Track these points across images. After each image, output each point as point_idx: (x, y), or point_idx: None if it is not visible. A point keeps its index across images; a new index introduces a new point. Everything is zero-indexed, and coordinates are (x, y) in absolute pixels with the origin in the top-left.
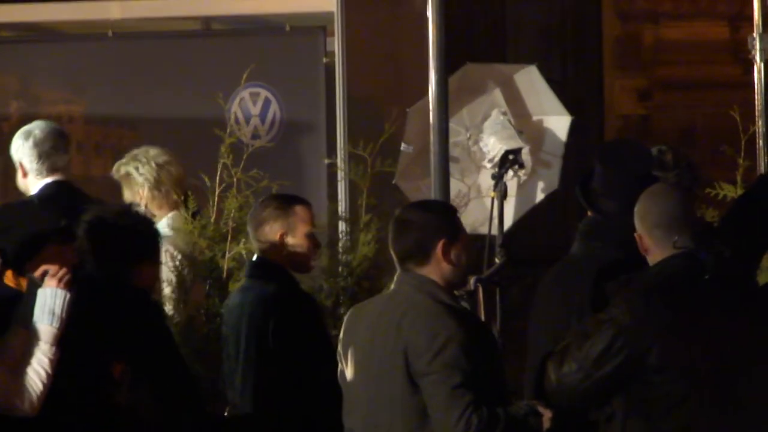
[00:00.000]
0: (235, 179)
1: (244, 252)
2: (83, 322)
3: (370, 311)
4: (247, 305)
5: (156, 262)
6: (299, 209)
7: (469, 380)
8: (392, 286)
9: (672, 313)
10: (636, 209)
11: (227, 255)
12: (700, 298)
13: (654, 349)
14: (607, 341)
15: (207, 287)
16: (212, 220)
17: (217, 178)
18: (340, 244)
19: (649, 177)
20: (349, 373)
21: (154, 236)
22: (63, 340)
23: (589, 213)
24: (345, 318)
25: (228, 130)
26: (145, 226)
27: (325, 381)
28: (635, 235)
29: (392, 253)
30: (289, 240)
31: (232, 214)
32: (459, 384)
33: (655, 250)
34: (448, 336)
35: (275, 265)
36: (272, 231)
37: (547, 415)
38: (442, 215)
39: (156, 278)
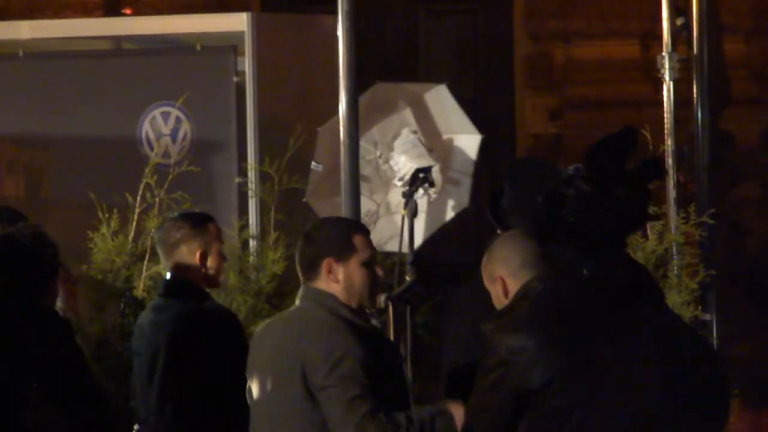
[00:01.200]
0: (157, 200)
1: (162, 272)
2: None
3: (275, 328)
4: (167, 323)
5: (56, 280)
6: (212, 227)
7: (366, 392)
8: (296, 301)
9: (541, 331)
10: (492, 256)
11: (143, 274)
12: (569, 309)
13: (532, 371)
14: (490, 377)
15: (122, 306)
16: (130, 239)
17: (138, 197)
18: (250, 262)
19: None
20: (254, 390)
21: (55, 254)
22: None
23: (499, 231)
24: (253, 335)
25: (155, 151)
26: (47, 245)
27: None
28: (492, 282)
29: None
30: (207, 259)
31: (151, 234)
32: (356, 396)
33: (516, 288)
34: (344, 350)
35: (191, 282)
36: (190, 251)
37: (458, 412)
38: (335, 233)
39: (57, 296)
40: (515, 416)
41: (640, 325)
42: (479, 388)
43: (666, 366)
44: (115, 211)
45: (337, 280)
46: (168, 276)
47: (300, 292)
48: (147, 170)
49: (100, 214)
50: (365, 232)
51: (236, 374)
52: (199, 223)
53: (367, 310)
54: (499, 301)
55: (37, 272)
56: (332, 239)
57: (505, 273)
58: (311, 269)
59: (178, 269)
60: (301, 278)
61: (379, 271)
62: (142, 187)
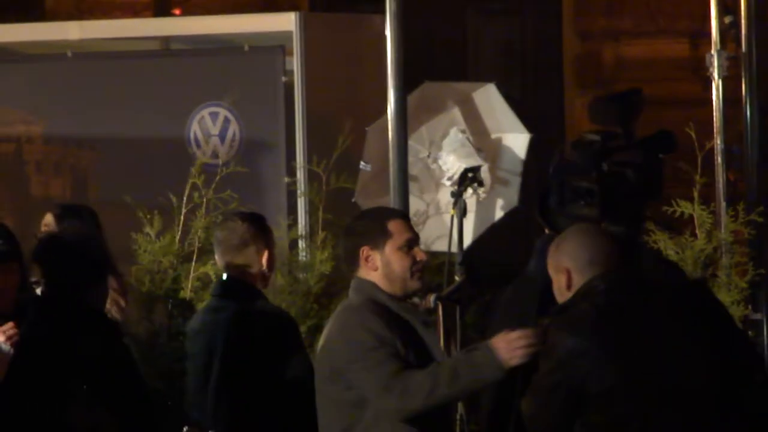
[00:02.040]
0: (204, 200)
1: (211, 272)
2: (38, 345)
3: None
4: (223, 324)
5: (106, 282)
6: (270, 229)
7: (390, 357)
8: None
9: (602, 337)
10: (561, 249)
11: (191, 275)
12: (630, 315)
13: (594, 377)
14: (549, 379)
15: (170, 306)
16: (177, 239)
17: (185, 197)
18: (298, 262)
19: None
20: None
21: (106, 257)
22: (17, 367)
23: (546, 231)
24: None
25: (200, 150)
26: (97, 248)
27: (302, 399)
28: (557, 272)
29: None
30: (265, 259)
31: (198, 234)
32: (382, 361)
33: (580, 283)
34: (367, 329)
35: (248, 282)
36: (258, 251)
37: (500, 344)
38: (370, 222)
39: (107, 298)
40: (571, 418)
41: (695, 330)
42: (537, 389)
43: (717, 374)
44: (156, 212)
45: (376, 267)
46: (225, 276)
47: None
48: (194, 170)
49: (141, 215)
50: (401, 216)
51: (292, 373)
52: (264, 223)
53: (417, 300)
54: (561, 292)
55: (84, 273)
56: (367, 228)
57: (572, 266)
58: (351, 260)
59: (238, 269)
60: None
61: (421, 255)
62: (188, 186)
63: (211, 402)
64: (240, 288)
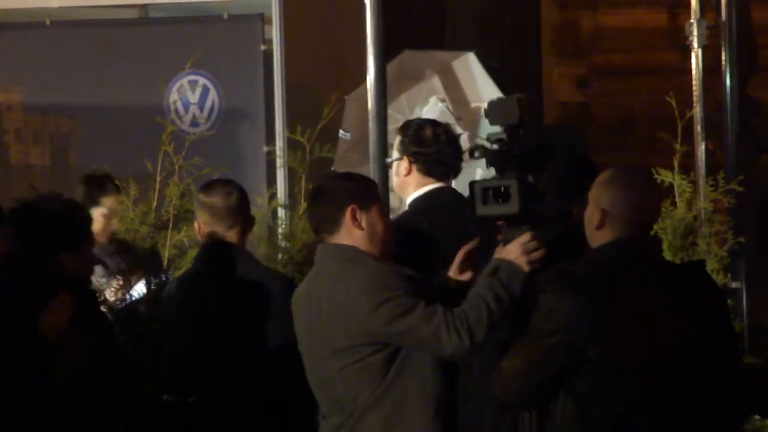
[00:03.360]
0: (176, 167)
1: (185, 240)
2: (14, 309)
3: (302, 294)
4: (213, 290)
5: (86, 250)
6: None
7: (426, 300)
8: (316, 263)
9: (605, 307)
10: (609, 188)
11: (168, 243)
12: (635, 288)
13: (592, 344)
14: (547, 341)
15: (147, 274)
16: (153, 207)
17: (158, 165)
18: (280, 232)
19: (581, 160)
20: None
21: (86, 224)
22: None
23: None
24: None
25: (168, 119)
26: (76, 214)
27: (287, 366)
28: (595, 208)
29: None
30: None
31: (173, 202)
32: (419, 305)
33: (609, 231)
34: (387, 286)
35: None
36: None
37: (524, 240)
38: (354, 183)
39: (89, 266)
40: (560, 384)
41: (693, 311)
42: (531, 348)
43: (706, 358)
44: (130, 179)
45: (362, 227)
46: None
47: (317, 252)
48: (164, 137)
49: (117, 183)
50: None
51: (277, 341)
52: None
53: None
54: (591, 226)
55: (58, 238)
56: (356, 188)
57: (611, 211)
58: (331, 221)
59: (241, 235)
60: (318, 236)
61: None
62: (161, 154)
63: (194, 369)
64: (244, 255)
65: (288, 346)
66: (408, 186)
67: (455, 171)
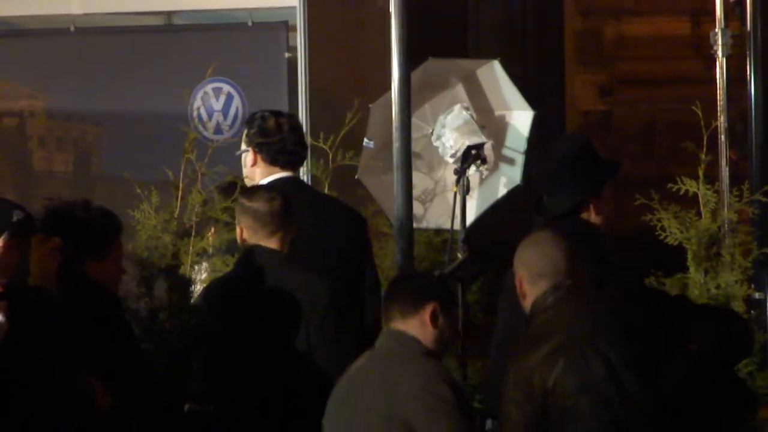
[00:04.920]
0: (199, 174)
1: (208, 247)
2: (42, 318)
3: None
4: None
5: (116, 257)
6: None
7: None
8: (376, 344)
9: (552, 352)
10: (519, 255)
11: (191, 250)
12: (576, 326)
13: (553, 376)
14: (516, 393)
15: (170, 282)
16: (175, 215)
17: (181, 173)
18: None
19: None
20: None
21: (115, 231)
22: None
23: None
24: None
25: (192, 126)
26: (105, 221)
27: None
28: (516, 278)
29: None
30: None
31: (195, 209)
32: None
33: (532, 296)
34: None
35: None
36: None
37: None
38: (439, 282)
39: (117, 273)
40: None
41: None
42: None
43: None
44: (152, 187)
45: (437, 326)
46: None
47: (382, 334)
48: (186, 144)
49: (138, 190)
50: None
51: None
52: None
53: None
54: (520, 299)
55: (85, 245)
56: (437, 285)
57: (524, 276)
58: (413, 309)
59: (283, 242)
60: (387, 313)
61: None
62: (183, 161)
63: (222, 377)
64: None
65: (327, 357)
66: (255, 176)
67: (301, 158)
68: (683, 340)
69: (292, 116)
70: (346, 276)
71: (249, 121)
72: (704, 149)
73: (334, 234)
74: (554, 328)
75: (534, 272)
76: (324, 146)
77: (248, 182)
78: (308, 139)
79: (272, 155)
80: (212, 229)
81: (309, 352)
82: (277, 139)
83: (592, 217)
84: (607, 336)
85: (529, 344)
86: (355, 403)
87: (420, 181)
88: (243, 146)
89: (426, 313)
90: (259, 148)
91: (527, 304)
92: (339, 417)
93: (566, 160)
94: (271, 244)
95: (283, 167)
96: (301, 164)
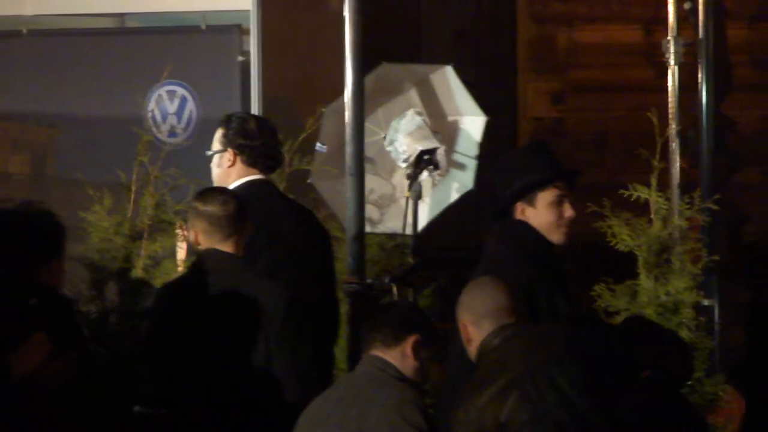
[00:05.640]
0: (152, 177)
1: (159, 250)
2: None
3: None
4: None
5: (62, 260)
6: None
7: None
8: (356, 369)
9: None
10: (461, 301)
11: (143, 253)
12: (521, 364)
13: (506, 411)
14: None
15: (121, 285)
16: (128, 217)
17: (134, 175)
18: None
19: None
20: None
21: (60, 234)
22: None
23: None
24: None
25: (146, 128)
26: (49, 224)
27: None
28: (460, 327)
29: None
30: None
31: (148, 212)
32: None
33: (478, 339)
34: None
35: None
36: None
37: None
38: (421, 313)
39: (63, 276)
40: None
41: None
42: None
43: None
44: (105, 189)
45: (418, 358)
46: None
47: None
48: (140, 147)
49: (91, 192)
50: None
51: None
52: None
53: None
54: (466, 346)
55: (33, 250)
56: (420, 317)
57: (468, 320)
58: (390, 338)
59: (237, 245)
60: (369, 343)
61: None
62: (136, 164)
63: (172, 380)
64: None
65: (285, 364)
66: (229, 177)
67: (279, 163)
68: (637, 368)
69: (269, 120)
70: (329, 278)
71: (226, 122)
72: (657, 156)
73: (313, 237)
74: (504, 366)
75: (478, 315)
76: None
77: (219, 183)
78: None
79: (253, 158)
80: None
81: (267, 358)
82: (260, 142)
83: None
84: (560, 367)
85: (479, 384)
86: (326, 419)
87: (377, 186)
88: (218, 146)
89: (408, 345)
90: (240, 149)
91: (473, 349)
92: None
93: (530, 158)
94: (226, 247)
95: (262, 171)
96: (277, 169)
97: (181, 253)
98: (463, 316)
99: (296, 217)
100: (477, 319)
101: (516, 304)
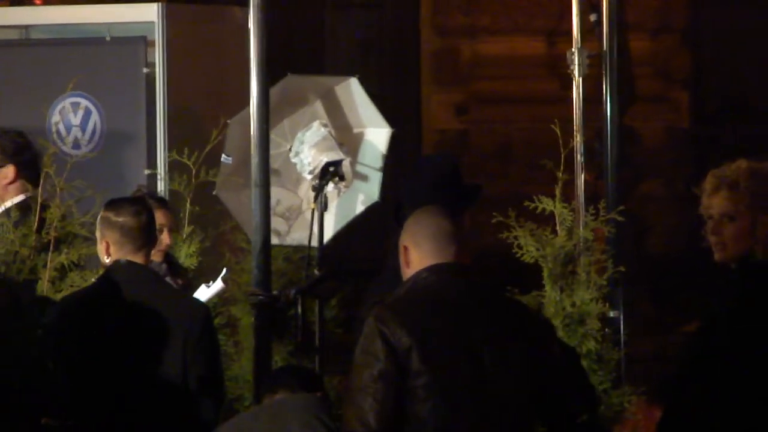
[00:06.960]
0: (58, 189)
1: (65, 262)
2: None
3: None
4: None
5: None
6: None
7: None
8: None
9: (416, 327)
10: (405, 226)
11: (49, 265)
12: (446, 306)
13: (411, 356)
14: (371, 373)
15: (27, 297)
16: (34, 229)
17: (40, 187)
18: None
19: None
20: None
21: None
22: None
23: None
24: None
25: (51, 140)
26: None
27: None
28: (400, 251)
29: None
30: None
31: (54, 224)
32: None
33: (418, 264)
34: None
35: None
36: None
37: None
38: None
39: None
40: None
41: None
42: (363, 377)
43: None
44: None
45: None
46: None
47: None
48: (45, 158)
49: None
50: None
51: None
52: None
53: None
54: (403, 271)
55: None
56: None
57: (410, 242)
58: None
59: (147, 256)
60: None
61: None
62: (42, 176)
63: (78, 393)
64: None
65: (202, 377)
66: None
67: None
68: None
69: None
70: None
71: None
72: (561, 168)
73: None
74: (426, 300)
75: (419, 236)
76: (188, 162)
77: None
78: (166, 155)
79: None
80: None
81: (183, 370)
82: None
83: None
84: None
85: (397, 306)
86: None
87: (283, 198)
88: None
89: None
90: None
91: (410, 271)
92: None
93: (437, 182)
94: (138, 258)
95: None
96: None
97: None
98: (404, 238)
99: None
100: (418, 239)
101: (458, 231)
